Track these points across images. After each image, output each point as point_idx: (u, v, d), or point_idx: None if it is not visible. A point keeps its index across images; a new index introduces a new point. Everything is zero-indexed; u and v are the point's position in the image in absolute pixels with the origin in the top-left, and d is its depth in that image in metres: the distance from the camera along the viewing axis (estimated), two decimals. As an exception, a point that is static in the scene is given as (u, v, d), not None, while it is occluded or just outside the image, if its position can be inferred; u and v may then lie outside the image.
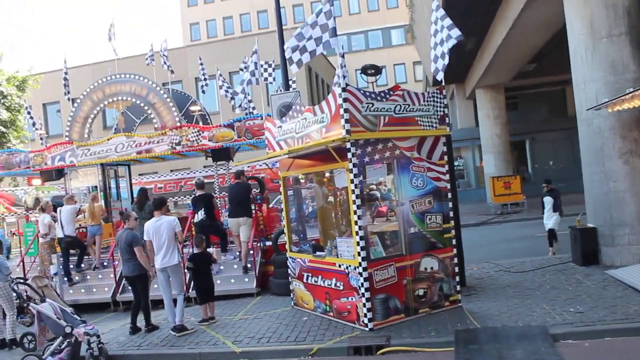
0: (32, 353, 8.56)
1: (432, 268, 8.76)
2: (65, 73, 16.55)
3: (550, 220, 13.33)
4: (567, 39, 11.43)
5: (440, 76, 9.10)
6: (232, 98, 16.62)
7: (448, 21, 8.94)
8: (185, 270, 10.84)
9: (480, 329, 7.74)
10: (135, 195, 15.76)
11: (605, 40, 10.49)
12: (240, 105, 15.44)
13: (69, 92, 16.40)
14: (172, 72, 18.28)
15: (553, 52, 21.74)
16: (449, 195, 9.09)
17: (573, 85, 11.37)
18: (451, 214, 9.09)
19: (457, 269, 9.08)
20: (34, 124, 18.01)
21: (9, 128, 24.18)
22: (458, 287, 9.07)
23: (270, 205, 16.23)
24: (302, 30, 8.72)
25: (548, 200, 13.49)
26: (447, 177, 9.06)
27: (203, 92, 18.99)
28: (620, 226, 10.56)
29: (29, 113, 18.46)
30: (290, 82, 14.92)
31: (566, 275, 10.40)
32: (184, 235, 12.13)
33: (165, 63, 18.20)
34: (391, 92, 8.54)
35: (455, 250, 9.08)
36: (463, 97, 33.65)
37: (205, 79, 18.55)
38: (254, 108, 16.86)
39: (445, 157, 9.07)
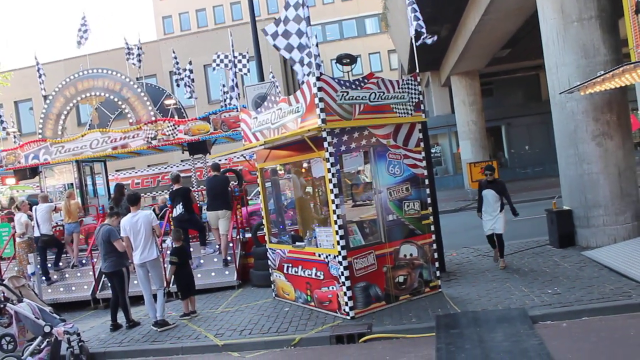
0: (11, 354, 8.44)
1: (411, 255, 8.82)
2: (39, 69, 16.27)
3: (496, 221, 10.27)
4: (539, 23, 11.53)
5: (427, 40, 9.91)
6: (192, 93, 16.62)
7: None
8: (166, 265, 10.79)
9: (461, 313, 7.82)
10: (112, 191, 15.63)
11: (576, 24, 10.60)
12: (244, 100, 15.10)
13: (44, 89, 16.13)
14: (139, 67, 18.00)
15: (526, 38, 21.92)
16: (427, 181, 9.14)
17: (546, 70, 11.47)
18: (429, 200, 9.14)
19: (436, 255, 9.15)
20: (2, 122, 17.70)
21: (-21, 127, 23.71)
22: (438, 273, 9.14)
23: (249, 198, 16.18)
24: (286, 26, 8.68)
25: (490, 195, 10.28)
26: (424, 163, 9.11)
27: (177, 85, 18.82)
28: (594, 207, 10.72)
29: (-2, 111, 18.16)
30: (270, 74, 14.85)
31: (543, 257, 10.54)
32: (163, 229, 12.07)
33: (139, 60, 17.94)
34: (366, 80, 8.54)
35: (434, 237, 9.16)
36: (438, 84, 33.78)
37: (179, 73, 18.38)
38: (231, 98, 16.73)
39: (422, 144, 9.11)
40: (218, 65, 15.75)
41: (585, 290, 7.98)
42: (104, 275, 11.67)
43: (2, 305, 8.69)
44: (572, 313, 7.27)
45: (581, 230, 11.00)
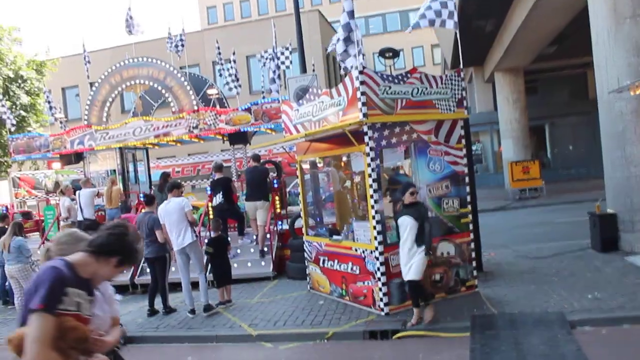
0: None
1: (448, 253, 8.72)
2: (86, 56, 16.61)
3: (412, 259, 7.45)
4: (589, 20, 11.21)
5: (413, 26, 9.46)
6: (235, 87, 16.61)
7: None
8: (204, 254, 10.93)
9: (497, 314, 7.70)
10: (154, 179, 15.95)
11: (628, 20, 10.26)
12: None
13: (88, 76, 16.48)
14: (179, 56, 18.17)
15: (574, 34, 21.37)
16: (467, 179, 9.01)
17: (594, 68, 11.16)
18: (468, 198, 9.01)
19: (474, 254, 9.03)
20: (51, 108, 18.15)
21: (29, 112, 24.35)
22: (475, 273, 9.02)
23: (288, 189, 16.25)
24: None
25: (406, 223, 7.48)
26: (465, 161, 8.97)
27: (220, 75, 18.99)
28: (640, 212, 10.40)
29: (47, 97, 18.61)
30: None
31: (585, 261, 10.28)
32: (202, 218, 12.20)
33: (177, 48, 18.12)
34: (408, 75, 8.45)
35: (472, 235, 9.02)
36: (482, 80, 33.24)
37: (221, 63, 18.53)
38: (270, 91, 16.83)
39: (463, 141, 8.98)
40: (264, 61, 15.86)
41: (628, 297, 7.74)
42: (143, 261, 11.88)
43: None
44: (613, 320, 7.07)
45: (625, 235, 10.68)
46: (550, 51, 25.19)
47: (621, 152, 10.55)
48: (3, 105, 16.95)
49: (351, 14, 8.42)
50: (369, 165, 8.00)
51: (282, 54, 15.69)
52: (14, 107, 22.30)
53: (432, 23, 9.23)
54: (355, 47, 8.58)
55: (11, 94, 23.25)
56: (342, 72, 8.89)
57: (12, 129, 17.22)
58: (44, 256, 3.57)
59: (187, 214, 9.41)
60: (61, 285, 2.81)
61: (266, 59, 15.91)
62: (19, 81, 24.11)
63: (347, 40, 8.58)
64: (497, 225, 16.53)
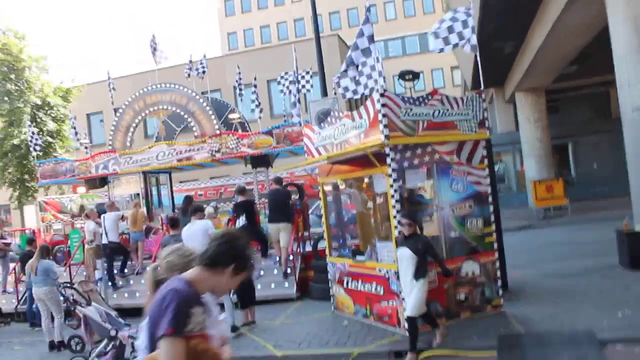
0: (79, 354, 8.78)
1: (473, 272, 8.67)
2: (110, 83, 16.96)
3: (412, 293, 7.36)
4: (609, 38, 11.21)
5: (433, 46, 9.45)
6: (260, 110, 16.69)
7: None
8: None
9: (524, 333, 7.62)
10: (177, 203, 16.09)
11: (650, 39, 10.25)
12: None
13: (112, 102, 16.79)
14: (201, 78, 18.42)
15: (595, 53, 21.27)
16: (490, 199, 8.99)
17: (617, 87, 11.12)
18: (492, 218, 8.98)
19: (499, 274, 8.97)
20: (76, 134, 18.50)
21: (55, 138, 24.82)
22: (500, 292, 8.95)
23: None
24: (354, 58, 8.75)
25: (405, 255, 7.36)
26: (488, 181, 8.96)
27: (241, 100, 19.21)
28: (668, 229, 10.25)
29: (72, 123, 18.97)
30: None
31: (613, 279, 10.14)
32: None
33: (199, 70, 18.38)
34: (429, 97, 8.51)
35: (496, 255, 8.97)
36: (502, 100, 33.14)
37: (241, 88, 18.71)
38: (292, 116, 16.97)
39: (485, 161, 8.98)
40: (285, 86, 15.98)
41: (659, 316, 7.62)
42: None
43: (72, 308, 9.08)
44: (645, 339, 6.96)
45: (654, 253, 10.52)
46: (571, 70, 25.08)
47: (647, 169, 10.46)
48: (32, 132, 17.33)
49: (371, 38, 8.55)
50: (391, 186, 8.03)
51: (303, 77, 15.84)
52: (40, 133, 22.73)
53: (455, 47, 9.32)
54: (355, 70, 8.68)
55: (38, 120, 23.72)
56: (366, 92, 8.94)
57: (35, 154, 17.54)
58: (152, 274, 3.63)
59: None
60: (186, 306, 2.81)
61: (286, 86, 16.05)
62: (46, 108, 24.62)
63: (351, 64, 8.71)
64: (522, 244, 16.35)
